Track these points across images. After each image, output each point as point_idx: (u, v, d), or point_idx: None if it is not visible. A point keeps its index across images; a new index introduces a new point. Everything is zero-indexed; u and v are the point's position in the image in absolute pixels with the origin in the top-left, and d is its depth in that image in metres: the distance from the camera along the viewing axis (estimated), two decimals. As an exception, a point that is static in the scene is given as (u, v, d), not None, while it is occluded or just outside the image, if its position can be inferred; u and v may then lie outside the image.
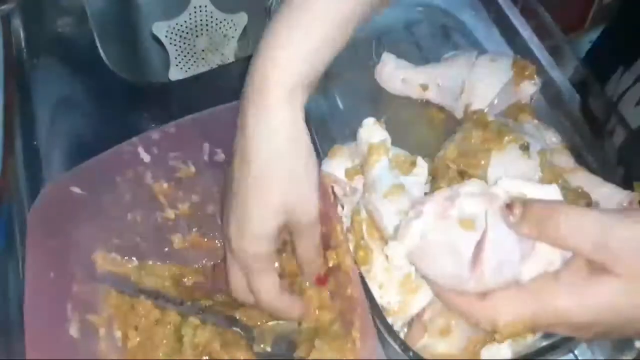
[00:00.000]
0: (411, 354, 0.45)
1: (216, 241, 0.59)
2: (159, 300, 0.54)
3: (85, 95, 0.74)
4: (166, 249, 0.58)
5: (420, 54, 0.69)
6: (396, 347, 0.45)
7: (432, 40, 0.70)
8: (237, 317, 0.53)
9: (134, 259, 0.56)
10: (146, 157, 0.54)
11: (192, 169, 0.56)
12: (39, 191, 0.65)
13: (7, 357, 0.58)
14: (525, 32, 0.63)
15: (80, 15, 0.78)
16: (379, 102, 0.66)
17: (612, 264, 0.37)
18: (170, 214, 0.57)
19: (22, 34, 0.76)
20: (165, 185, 0.56)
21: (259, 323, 0.53)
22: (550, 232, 0.39)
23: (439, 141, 0.57)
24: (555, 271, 0.40)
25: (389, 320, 0.47)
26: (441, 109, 0.64)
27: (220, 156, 0.56)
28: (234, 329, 0.52)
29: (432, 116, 0.64)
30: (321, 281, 0.51)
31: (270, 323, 0.52)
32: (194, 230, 0.59)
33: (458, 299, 0.42)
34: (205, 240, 0.59)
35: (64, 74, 0.75)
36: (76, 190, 0.51)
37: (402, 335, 0.48)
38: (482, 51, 0.65)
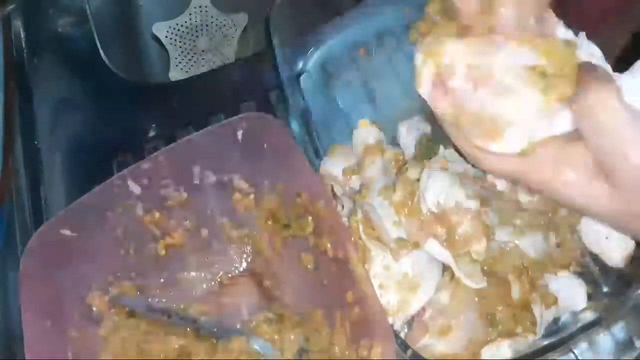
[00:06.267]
0: (411, 353, 0.45)
1: (215, 265, 0.58)
2: (172, 318, 0.53)
3: (85, 95, 0.74)
4: (162, 281, 0.56)
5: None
6: (396, 347, 0.45)
7: (432, 41, 0.70)
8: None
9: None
10: (136, 189, 0.53)
11: (184, 195, 0.55)
12: (39, 191, 0.66)
13: (8, 357, 0.58)
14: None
15: (80, 15, 0.78)
16: (379, 101, 0.66)
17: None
18: (164, 244, 0.56)
19: (22, 34, 0.76)
20: (157, 215, 0.55)
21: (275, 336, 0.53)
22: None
23: (439, 140, 0.57)
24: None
25: (389, 320, 0.47)
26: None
27: (211, 178, 0.55)
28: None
29: (432, 115, 0.64)
30: None
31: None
32: (190, 257, 0.57)
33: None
34: (204, 266, 0.58)
35: (64, 74, 0.75)
36: (66, 232, 0.50)
37: (402, 335, 0.48)
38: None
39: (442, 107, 0.40)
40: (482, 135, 0.38)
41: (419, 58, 0.40)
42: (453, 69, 0.38)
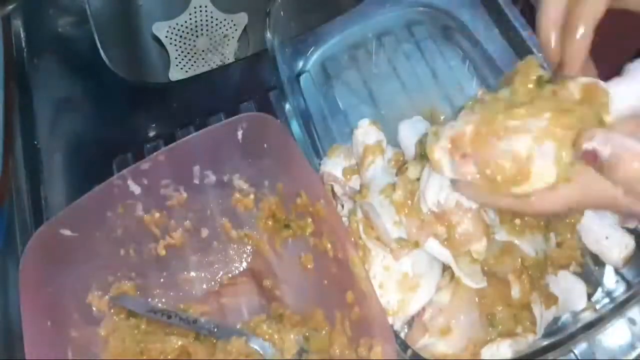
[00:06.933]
0: (411, 353, 0.45)
1: (215, 265, 0.58)
2: (173, 318, 0.53)
3: (85, 95, 0.74)
4: (162, 281, 0.56)
5: (421, 55, 0.69)
6: (396, 347, 0.45)
7: (432, 41, 0.70)
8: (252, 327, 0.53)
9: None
10: (136, 190, 0.53)
11: (184, 195, 0.55)
12: (39, 191, 0.66)
13: (8, 357, 0.58)
14: (525, 32, 0.63)
15: (80, 15, 0.78)
16: (379, 101, 0.66)
17: None
18: (164, 244, 0.56)
19: (22, 34, 0.76)
20: (157, 215, 0.55)
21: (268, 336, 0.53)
22: None
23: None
24: None
25: (389, 320, 0.47)
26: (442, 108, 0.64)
27: (211, 178, 0.56)
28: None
29: (432, 115, 0.64)
30: None
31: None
32: (190, 257, 0.58)
33: None
34: (204, 266, 0.58)
35: (64, 74, 0.75)
36: (66, 232, 0.50)
37: (402, 335, 0.48)
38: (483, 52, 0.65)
39: (465, 170, 0.41)
40: (512, 180, 0.39)
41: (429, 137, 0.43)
42: (464, 136, 0.40)
